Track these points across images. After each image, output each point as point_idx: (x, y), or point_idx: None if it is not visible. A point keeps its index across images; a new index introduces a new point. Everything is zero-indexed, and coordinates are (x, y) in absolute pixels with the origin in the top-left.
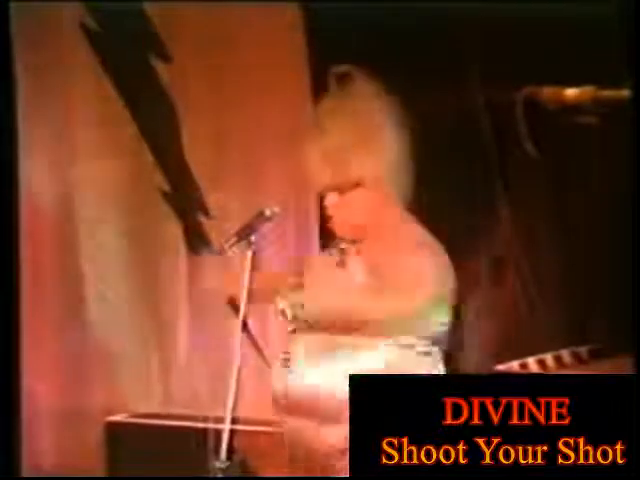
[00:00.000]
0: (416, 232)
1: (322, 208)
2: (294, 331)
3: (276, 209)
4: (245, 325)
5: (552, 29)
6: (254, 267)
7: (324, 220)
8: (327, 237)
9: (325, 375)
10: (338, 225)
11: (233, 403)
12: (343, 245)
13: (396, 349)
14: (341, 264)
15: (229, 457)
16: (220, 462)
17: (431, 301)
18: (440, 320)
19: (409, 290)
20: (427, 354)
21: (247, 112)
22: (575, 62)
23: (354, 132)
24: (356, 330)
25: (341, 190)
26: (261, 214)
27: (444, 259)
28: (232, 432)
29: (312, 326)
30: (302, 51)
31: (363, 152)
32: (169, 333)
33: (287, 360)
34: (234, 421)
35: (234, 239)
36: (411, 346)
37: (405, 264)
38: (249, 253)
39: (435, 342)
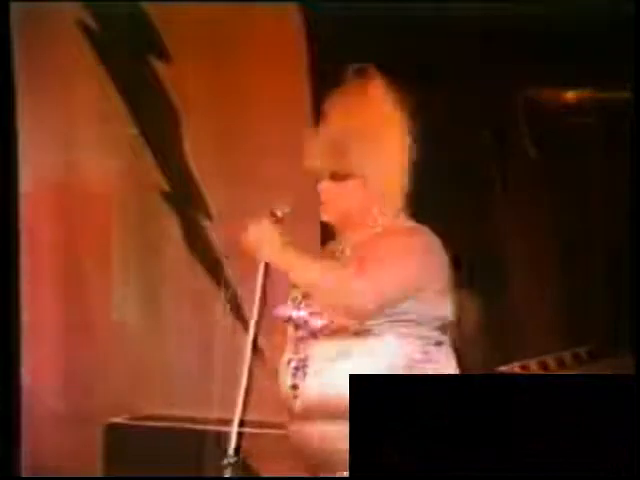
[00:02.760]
0: (412, 230)
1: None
2: (304, 335)
3: (287, 209)
4: (256, 336)
5: (553, 30)
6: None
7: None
8: (329, 237)
9: (339, 377)
10: (328, 212)
11: (243, 403)
12: (340, 243)
13: (414, 342)
14: (342, 262)
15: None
16: (229, 457)
17: (431, 295)
18: (447, 310)
19: (401, 285)
20: (439, 344)
21: (247, 112)
22: (575, 63)
23: (359, 125)
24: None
25: (334, 178)
26: (272, 215)
27: (438, 256)
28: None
29: (320, 331)
30: (302, 51)
31: (363, 145)
32: (170, 334)
33: (300, 363)
34: (242, 423)
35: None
36: (426, 337)
37: (397, 259)
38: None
39: (444, 331)
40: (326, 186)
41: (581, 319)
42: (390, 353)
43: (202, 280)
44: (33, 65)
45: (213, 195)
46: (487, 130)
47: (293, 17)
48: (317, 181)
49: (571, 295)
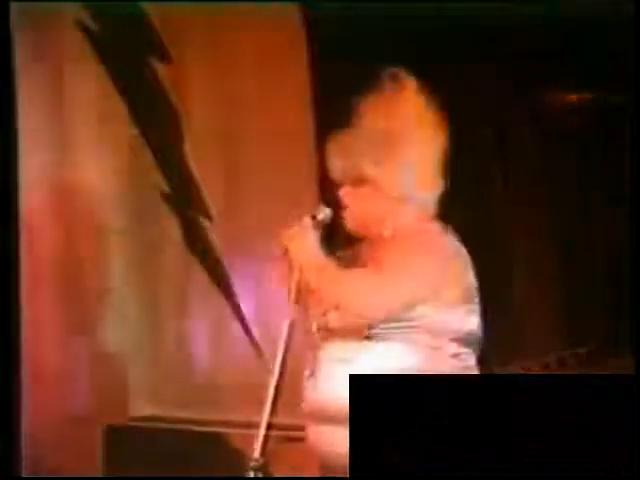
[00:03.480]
0: (433, 233)
1: (338, 199)
2: (319, 338)
3: (328, 212)
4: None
5: (553, 30)
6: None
7: (338, 211)
8: (329, 237)
9: (342, 381)
10: (350, 217)
11: (271, 406)
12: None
13: (424, 351)
14: (357, 264)
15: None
16: (254, 461)
17: (452, 302)
18: (466, 321)
19: (425, 291)
20: (455, 356)
21: (247, 112)
22: (576, 63)
23: (380, 131)
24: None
25: (352, 184)
26: (312, 218)
27: (456, 263)
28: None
29: (337, 333)
30: (302, 51)
31: (382, 153)
32: (170, 335)
33: (314, 367)
34: (269, 426)
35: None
36: (439, 348)
37: (421, 265)
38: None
39: (465, 344)
40: (346, 192)
41: (581, 319)
42: (395, 360)
43: (202, 280)
44: (33, 65)
45: (213, 195)
46: (487, 130)
47: (293, 17)
48: (339, 186)
49: (571, 295)
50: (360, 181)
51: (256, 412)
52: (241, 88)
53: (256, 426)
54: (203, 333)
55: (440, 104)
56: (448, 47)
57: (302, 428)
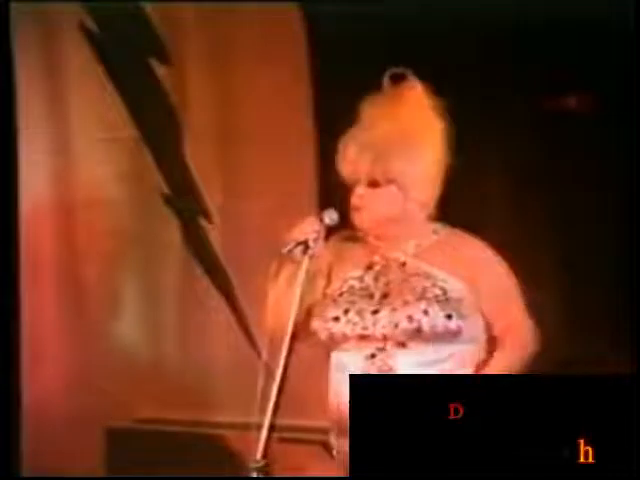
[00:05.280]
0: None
1: (350, 198)
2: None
3: (334, 216)
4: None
5: (552, 30)
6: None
7: (350, 211)
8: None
9: None
10: (364, 217)
11: (274, 407)
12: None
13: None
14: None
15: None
16: (255, 462)
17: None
18: None
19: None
20: None
21: (247, 113)
22: (575, 63)
23: (399, 131)
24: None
25: (374, 184)
26: (321, 221)
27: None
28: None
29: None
30: (303, 52)
31: (404, 152)
32: (171, 337)
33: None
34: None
35: (292, 244)
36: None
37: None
38: (306, 259)
39: None
40: (363, 192)
41: (581, 319)
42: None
43: (202, 282)
44: (33, 65)
45: (213, 197)
46: (487, 130)
47: (293, 17)
48: (352, 187)
49: (571, 295)
50: (382, 181)
51: (256, 414)
52: (241, 88)
53: (255, 428)
54: (204, 334)
55: (443, 106)
56: (447, 48)
57: (303, 429)
